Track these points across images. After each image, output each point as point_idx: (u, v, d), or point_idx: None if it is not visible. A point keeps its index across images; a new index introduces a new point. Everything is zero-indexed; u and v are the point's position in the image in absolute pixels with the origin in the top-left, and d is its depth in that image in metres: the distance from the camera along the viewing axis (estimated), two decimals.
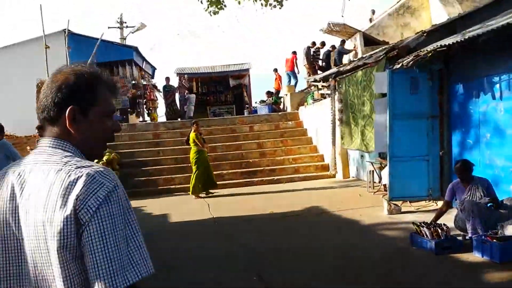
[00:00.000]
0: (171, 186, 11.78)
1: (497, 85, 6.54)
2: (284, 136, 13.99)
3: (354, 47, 15.74)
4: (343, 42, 15.83)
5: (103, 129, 1.28)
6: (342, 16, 13.01)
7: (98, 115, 1.25)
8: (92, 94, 1.24)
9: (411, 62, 6.61)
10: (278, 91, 18.93)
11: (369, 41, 15.68)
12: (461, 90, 7.27)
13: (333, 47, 16.71)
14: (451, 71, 7.37)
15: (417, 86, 7.53)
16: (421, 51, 6.71)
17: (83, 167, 1.12)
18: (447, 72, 7.43)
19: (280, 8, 13.40)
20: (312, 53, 17.15)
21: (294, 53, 17.80)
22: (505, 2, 7.92)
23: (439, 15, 16.53)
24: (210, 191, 10.53)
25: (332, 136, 11.44)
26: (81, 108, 1.21)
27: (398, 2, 18.28)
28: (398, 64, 7.10)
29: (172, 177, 12.15)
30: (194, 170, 10.40)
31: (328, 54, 16.59)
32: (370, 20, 18.88)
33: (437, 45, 6.39)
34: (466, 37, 6.03)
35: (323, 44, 17.37)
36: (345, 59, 15.81)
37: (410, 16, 17.24)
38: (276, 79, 19.38)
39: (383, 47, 8.58)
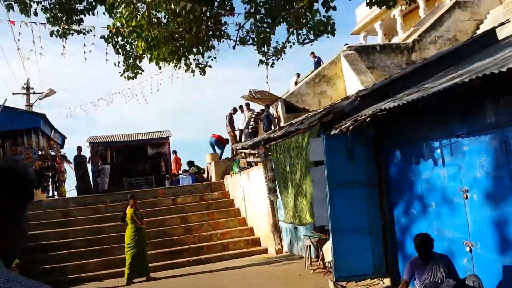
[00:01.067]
0: (83, 274, 10.09)
1: (438, 150, 6.18)
2: (210, 208, 12.97)
3: (277, 113, 15.49)
4: (267, 107, 15.55)
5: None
6: (267, 83, 12.76)
7: None
8: None
9: (350, 127, 6.09)
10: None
11: (289, 108, 15.55)
12: (399, 156, 6.86)
13: (263, 110, 16.40)
14: (388, 136, 6.99)
15: (353, 152, 7.02)
16: (359, 115, 6.23)
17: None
18: (383, 137, 7.03)
19: (202, 74, 12.90)
20: (253, 118, 16.74)
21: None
22: (430, 67, 7.91)
23: (353, 83, 16.99)
24: (135, 280, 9.12)
25: (263, 208, 10.64)
26: None
27: (313, 71, 18.67)
28: (335, 129, 6.58)
29: (84, 263, 10.47)
30: (129, 252, 9.02)
31: (255, 119, 16.23)
32: (296, 83, 19.10)
33: (376, 109, 5.94)
34: (405, 101, 5.63)
35: (248, 106, 17.10)
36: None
37: (326, 85, 17.55)
38: (174, 161, 18.51)
39: (317, 111, 8.17)
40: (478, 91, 5.24)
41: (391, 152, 6.94)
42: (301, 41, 12.94)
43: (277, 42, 12.87)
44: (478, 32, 18.41)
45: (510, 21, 9.38)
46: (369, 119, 6.15)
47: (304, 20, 12.19)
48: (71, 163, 17.16)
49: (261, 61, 12.82)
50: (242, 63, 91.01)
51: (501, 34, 10.72)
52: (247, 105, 17.18)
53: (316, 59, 20.12)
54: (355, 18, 32.79)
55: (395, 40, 24.67)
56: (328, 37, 13.06)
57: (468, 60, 7.13)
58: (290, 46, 12.96)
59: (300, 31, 12.52)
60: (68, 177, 18.49)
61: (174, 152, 18.95)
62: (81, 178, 15.88)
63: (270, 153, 9.71)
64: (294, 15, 11.79)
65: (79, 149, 16.02)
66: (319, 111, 8.62)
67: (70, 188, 17.84)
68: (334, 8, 10.89)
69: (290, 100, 16.28)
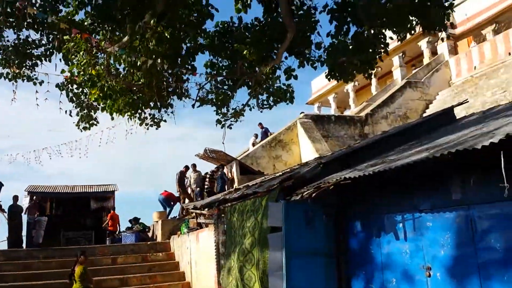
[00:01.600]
0: None
1: (400, 224, 5.99)
2: (153, 270, 12.07)
3: (231, 174, 15.13)
4: (221, 167, 15.18)
5: None
6: (223, 143, 12.60)
7: None
8: None
9: (313, 194, 5.81)
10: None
11: (244, 169, 15.27)
12: (360, 227, 6.61)
13: (218, 168, 15.97)
14: (349, 206, 6.76)
15: (313, 220, 6.72)
16: (322, 183, 5.99)
17: None
18: (344, 206, 6.79)
19: (157, 128, 12.48)
20: (207, 176, 16.24)
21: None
22: (391, 139, 7.93)
23: (308, 150, 17.06)
24: None
25: (211, 273, 9.97)
26: None
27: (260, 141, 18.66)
28: (297, 195, 6.28)
29: None
30: None
31: (203, 179, 15.76)
32: (253, 144, 18.96)
33: (340, 177, 5.72)
34: (371, 172, 5.46)
35: (194, 167, 16.62)
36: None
37: (282, 149, 17.54)
38: (109, 217, 17.48)
39: (275, 175, 7.90)
40: (444, 167, 5.15)
41: (352, 223, 6.68)
42: (261, 106, 12.93)
43: (237, 105, 12.86)
44: (428, 111, 19.31)
45: (467, 101, 9.76)
46: (332, 187, 5.91)
47: (265, 86, 12.25)
48: (5, 212, 15.79)
49: (218, 121, 12.59)
50: (198, 121, 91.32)
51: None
52: (194, 166, 16.75)
53: (263, 130, 19.69)
54: (311, 89, 33.93)
55: (348, 113, 25.39)
56: (287, 104, 13.16)
57: (429, 135, 7.20)
58: (250, 109, 12.91)
59: (260, 96, 12.55)
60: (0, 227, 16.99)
61: (113, 209, 17.95)
62: (14, 229, 14.53)
63: (223, 215, 9.23)
64: (256, 79, 11.82)
65: (15, 198, 14.80)
66: (278, 174, 8.39)
67: (1, 239, 16.30)
68: (296, 77, 11.00)
69: (245, 162, 16.03)
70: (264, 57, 10.38)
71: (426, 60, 23.12)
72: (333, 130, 18.32)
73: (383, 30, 9.92)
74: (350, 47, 10.28)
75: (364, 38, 9.83)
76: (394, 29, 9.90)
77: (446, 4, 9.30)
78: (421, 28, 9.84)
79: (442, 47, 21.91)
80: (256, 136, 19.90)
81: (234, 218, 8.53)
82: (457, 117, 8.80)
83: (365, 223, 6.47)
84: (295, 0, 9.45)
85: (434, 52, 23.23)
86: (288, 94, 12.66)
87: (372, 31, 9.74)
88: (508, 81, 16.36)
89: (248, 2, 9.09)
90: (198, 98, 12.17)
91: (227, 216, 8.89)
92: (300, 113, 19.92)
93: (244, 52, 10.51)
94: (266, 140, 17.68)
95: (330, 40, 10.06)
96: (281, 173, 8.83)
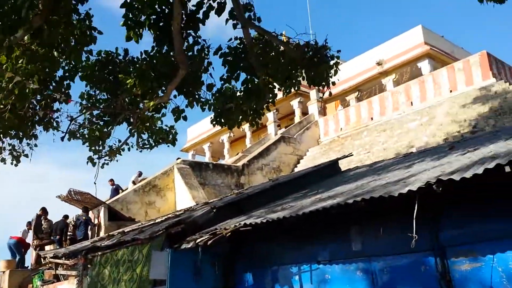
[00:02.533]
0: None
1: (296, 277, 5.57)
2: None
3: (98, 220, 13.60)
4: (86, 210, 13.56)
5: None
6: (95, 183, 11.24)
7: None
8: None
9: (209, 241, 5.13)
10: None
11: (113, 215, 13.88)
12: (252, 279, 6.05)
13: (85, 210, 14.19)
14: (241, 256, 6.18)
15: (201, 271, 5.98)
16: (218, 229, 5.36)
17: None
18: (236, 256, 6.19)
19: (16, 165, 10.84)
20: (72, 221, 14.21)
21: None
22: (283, 187, 7.68)
23: (184, 197, 16.29)
24: None
25: None
26: None
27: (144, 179, 17.55)
28: (188, 242, 5.53)
29: None
30: None
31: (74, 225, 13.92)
32: (134, 182, 17.48)
33: (239, 224, 5.16)
34: (270, 219, 5.02)
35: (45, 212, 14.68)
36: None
37: (156, 195, 16.50)
38: None
39: (157, 221, 7.00)
40: (345, 216, 4.93)
41: (244, 274, 6.08)
42: (141, 145, 12.00)
43: (114, 142, 11.73)
44: (299, 165, 19.99)
45: (352, 154, 10.08)
46: (228, 234, 5.30)
47: (148, 124, 11.42)
48: None
49: (90, 159, 11.31)
50: (58, 160, 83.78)
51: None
52: (44, 210, 14.78)
53: (114, 187, 17.74)
54: (186, 136, 33.43)
55: (222, 163, 25.29)
56: (168, 146, 12.42)
57: (320, 184, 7.10)
58: (129, 149, 11.90)
59: (142, 134, 11.66)
60: None
61: None
62: None
63: (90, 266, 7.93)
64: (139, 116, 10.96)
65: None
66: (160, 220, 7.51)
67: None
68: (185, 118, 10.44)
69: (115, 207, 14.62)
70: (151, 93, 9.66)
71: (297, 119, 24.34)
72: (210, 178, 17.87)
73: (272, 81, 9.98)
74: (240, 93, 10.13)
75: (255, 86, 9.74)
76: (284, 81, 10.04)
77: (332, 62, 9.69)
78: (307, 82, 10.14)
79: (313, 108, 23.30)
80: (140, 174, 18.48)
81: (106, 270, 7.34)
82: (337, 170, 8.99)
83: (259, 274, 5.93)
84: (189, 37, 9.02)
85: (304, 112, 24.62)
86: (171, 136, 12.00)
87: (263, 80, 9.71)
88: (371, 143, 17.76)
89: (141, 31, 8.39)
90: (68, 131, 10.85)
91: (96, 267, 7.65)
92: (177, 159, 19.16)
93: (129, 85, 9.67)
94: (140, 184, 16.48)
95: (221, 83, 9.80)
96: (164, 218, 7.96)
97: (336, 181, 6.77)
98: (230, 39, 9.22)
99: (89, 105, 10.65)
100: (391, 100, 19.50)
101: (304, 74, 9.80)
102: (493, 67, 16.49)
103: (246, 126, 27.86)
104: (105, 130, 11.22)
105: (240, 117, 10.56)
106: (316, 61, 9.19)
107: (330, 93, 10.46)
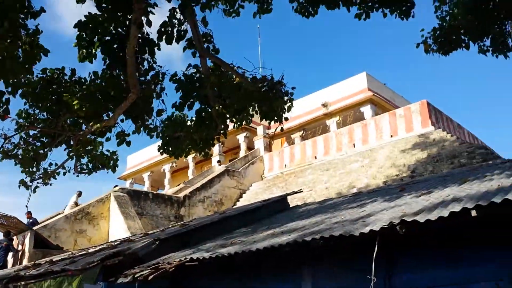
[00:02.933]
0: None
1: None
2: None
3: (22, 246, 12.46)
4: (8, 234, 12.42)
5: None
6: (26, 207, 10.29)
7: None
8: None
9: (151, 276, 4.68)
10: None
11: (40, 242, 12.81)
12: None
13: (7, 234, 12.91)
14: None
15: None
16: (161, 263, 4.92)
17: None
18: None
19: None
20: None
21: None
22: (230, 222, 7.34)
23: (119, 227, 15.45)
24: None
25: None
26: None
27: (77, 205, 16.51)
28: (126, 276, 5.03)
29: None
30: None
31: None
32: (76, 203, 16.28)
33: (185, 258, 4.77)
34: (221, 254, 4.69)
35: None
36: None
37: (88, 223, 15.51)
38: None
39: (90, 251, 6.35)
40: (297, 256, 4.69)
41: None
42: (79, 170, 11.27)
43: (50, 164, 10.89)
44: (241, 200, 19.68)
45: (302, 191, 9.94)
46: (173, 268, 4.88)
47: (88, 148, 10.77)
48: None
49: (22, 182, 10.43)
50: None
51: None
52: None
53: (31, 220, 15.30)
54: (126, 164, 32.24)
55: (163, 193, 24.49)
56: (107, 172, 11.77)
57: (270, 220, 6.85)
58: (64, 173, 11.09)
59: (81, 158, 10.95)
60: None
61: None
62: None
63: None
64: (80, 139, 10.31)
65: None
66: (94, 250, 6.87)
67: None
68: (129, 143, 9.92)
69: (43, 233, 13.52)
70: (97, 115, 9.11)
71: (242, 153, 24.21)
72: (149, 208, 17.11)
73: (226, 112, 9.78)
74: (191, 122, 9.83)
75: (208, 115, 9.49)
76: (237, 113, 9.89)
77: (286, 98, 9.67)
78: (260, 117, 10.03)
79: (259, 143, 23.30)
80: (80, 194, 17.22)
81: None
82: (286, 206, 8.80)
83: None
84: (144, 62, 8.67)
85: (249, 147, 24.57)
86: (112, 162, 11.37)
87: (217, 110, 9.47)
88: (314, 181, 17.87)
89: (94, 52, 7.98)
90: (1, 150, 9.96)
91: None
92: (114, 186, 18.28)
93: (75, 106, 9.09)
94: (72, 210, 15.41)
95: (173, 110, 9.45)
96: (98, 248, 7.31)
97: (287, 217, 6.56)
98: (188, 66, 8.95)
99: (27, 124, 9.88)
100: (335, 141, 19.89)
101: (257, 108, 9.69)
102: (432, 116, 17.32)
103: (190, 157, 27.31)
104: (41, 151, 10.44)
105: (189, 146, 10.22)
106: (271, 95, 9.11)
107: (282, 129, 10.39)
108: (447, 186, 5.05)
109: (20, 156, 10.29)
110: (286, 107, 9.51)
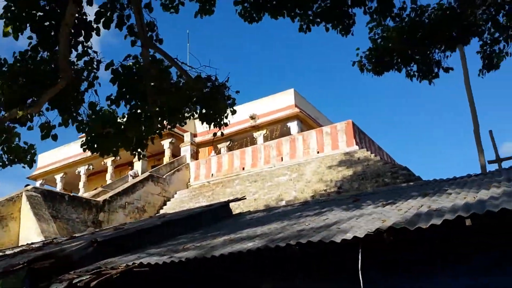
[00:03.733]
0: None
1: None
2: None
3: None
4: None
5: None
6: None
7: None
8: None
9: (93, 282, 4.02)
10: None
11: None
12: None
13: None
14: None
15: None
16: (104, 268, 4.27)
17: None
18: None
19: None
20: None
21: None
22: (173, 224, 6.74)
23: (31, 229, 14.00)
24: None
25: None
26: None
27: None
28: (60, 282, 4.29)
29: None
30: None
31: None
32: None
33: (133, 263, 4.19)
34: (178, 259, 4.18)
35: None
36: None
37: None
38: None
39: (19, 250, 5.42)
40: (256, 268, 4.32)
41: None
42: None
43: None
44: (165, 207, 18.84)
45: (245, 198, 9.53)
46: (117, 275, 4.25)
47: (3, 137, 9.55)
48: None
49: None
50: None
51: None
52: None
53: None
54: (36, 163, 29.66)
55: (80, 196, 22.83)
56: (24, 167, 10.57)
57: (216, 225, 6.38)
58: None
59: None
60: None
61: None
62: None
63: None
64: None
65: None
66: (15, 251, 5.91)
67: None
68: (55, 138, 8.91)
69: None
70: (18, 101, 8.06)
71: (166, 159, 23.32)
72: (64, 212, 15.70)
73: (163, 110, 9.17)
74: (124, 119, 9.08)
75: (145, 112, 8.79)
76: (173, 113, 9.33)
77: (229, 101, 9.31)
78: (200, 119, 9.57)
79: (185, 150, 22.62)
80: None
81: None
82: (229, 213, 8.37)
83: None
84: (78, 45, 7.83)
85: (174, 154, 23.76)
86: (29, 156, 10.20)
87: (154, 108, 8.83)
88: (242, 192, 17.56)
89: (22, 27, 7.04)
90: None
91: None
92: (26, 185, 16.63)
93: None
94: None
95: (108, 104, 8.65)
96: (19, 250, 6.33)
97: (236, 224, 6.15)
98: (127, 56, 8.23)
99: None
100: (263, 153, 19.82)
101: (198, 110, 9.22)
102: (356, 136, 17.89)
103: (109, 160, 25.80)
104: None
105: (119, 144, 9.42)
106: (214, 97, 8.70)
107: (222, 133, 9.98)
108: (409, 198, 4.99)
109: None
110: (228, 111, 9.14)
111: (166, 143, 24.10)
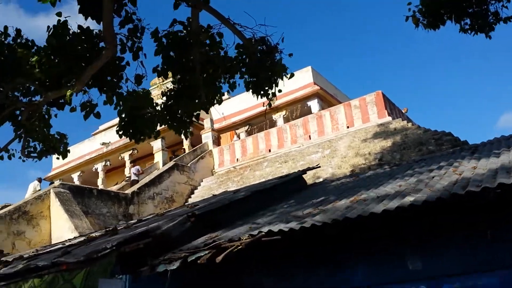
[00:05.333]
0: None
1: None
2: None
3: None
4: None
5: None
6: None
7: None
8: None
9: (220, 257, 3.22)
10: None
11: None
12: None
13: None
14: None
15: None
16: (223, 242, 3.47)
17: None
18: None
19: None
20: None
21: None
22: (250, 201, 5.92)
23: (63, 226, 13.24)
24: None
25: None
26: None
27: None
28: (170, 262, 3.49)
29: None
30: None
31: None
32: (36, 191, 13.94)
33: (261, 232, 3.39)
34: (320, 222, 3.37)
35: None
36: None
37: (27, 224, 13.11)
38: None
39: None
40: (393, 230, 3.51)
41: None
42: (26, 153, 9.19)
43: None
44: (193, 196, 18.05)
45: (320, 166, 8.72)
46: (234, 249, 3.45)
47: (40, 124, 8.75)
48: None
49: None
50: None
51: None
52: None
53: None
54: (51, 164, 28.88)
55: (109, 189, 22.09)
56: (58, 158, 9.79)
57: (299, 195, 5.58)
58: (9, 157, 8.95)
59: (29, 138, 8.91)
60: None
61: None
62: None
63: None
64: (32, 112, 8.29)
65: None
66: (72, 242, 5.08)
67: None
68: (98, 115, 8.09)
69: None
70: (57, 80, 7.22)
71: (186, 149, 22.51)
72: (94, 206, 14.93)
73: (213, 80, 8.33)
74: (170, 92, 8.25)
75: (193, 82, 7.90)
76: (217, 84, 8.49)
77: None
78: (248, 89, 8.73)
79: (207, 137, 21.80)
80: (40, 180, 16.34)
81: None
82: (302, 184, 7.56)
83: None
84: (121, 10, 6.95)
85: (192, 144, 22.91)
86: (62, 147, 9.43)
87: (203, 78, 7.96)
88: (273, 173, 16.76)
89: None
90: None
91: None
92: (38, 179, 16.22)
93: (34, 68, 7.17)
94: (7, 209, 12.90)
95: (151, 76, 7.79)
96: (77, 241, 5.52)
97: (335, 190, 5.33)
98: (173, 22, 7.34)
99: None
100: (289, 133, 18.98)
101: (249, 77, 8.37)
102: (387, 106, 17.04)
103: (126, 155, 25.00)
104: None
105: (159, 124, 8.61)
106: (271, 61, 7.84)
107: (270, 105, 9.15)
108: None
109: None
110: (285, 78, 8.27)
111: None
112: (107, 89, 7.65)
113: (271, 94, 8.96)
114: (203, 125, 22.89)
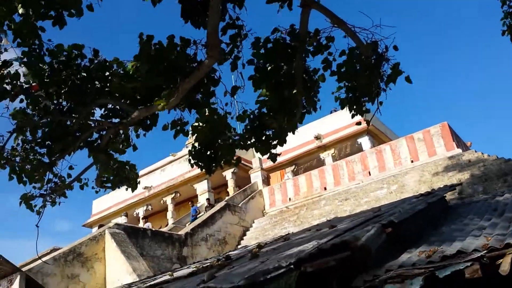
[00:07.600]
0: None
1: None
2: None
3: None
4: None
5: None
6: (37, 226, 7.27)
7: None
8: None
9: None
10: None
11: (34, 286, 9.44)
12: None
13: None
14: None
15: None
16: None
17: None
18: None
19: None
20: None
21: None
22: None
23: (119, 269, 12.24)
24: None
25: None
26: None
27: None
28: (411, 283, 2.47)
29: None
30: None
31: None
32: None
33: None
34: None
35: None
36: None
37: (81, 266, 12.17)
38: None
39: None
40: None
41: None
42: (100, 183, 8.43)
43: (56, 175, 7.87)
44: (246, 238, 16.94)
45: (461, 183, 7.60)
46: None
47: (121, 146, 8.03)
48: None
49: (25, 199, 7.42)
50: None
51: None
52: None
53: None
54: (91, 210, 28.20)
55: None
56: (126, 189, 9.00)
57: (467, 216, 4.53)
58: (81, 187, 8.17)
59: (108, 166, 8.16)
60: None
61: None
62: None
63: None
64: (120, 131, 7.59)
65: None
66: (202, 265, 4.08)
67: None
68: (187, 133, 7.33)
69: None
70: (154, 93, 6.52)
71: (230, 191, 21.57)
72: (148, 248, 13.94)
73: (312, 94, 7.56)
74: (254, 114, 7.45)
75: (292, 95, 7.07)
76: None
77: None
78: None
79: (256, 176, 20.88)
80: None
81: None
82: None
83: None
84: (226, 13, 6.29)
85: (238, 185, 21.96)
86: (132, 179, 8.67)
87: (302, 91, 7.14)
88: (334, 211, 15.61)
89: None
90: None
91: None
92: (99, 226, 15.13)
93: (116, 83, 6.54)
94: (61, 250, 12.03)
95: (250, 89, 7.06)
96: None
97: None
98: (275, 30, 6.61)
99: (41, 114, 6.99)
100: (346, 170, 17.92)
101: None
102: (454, 138, 15.96)
103: (168, 198, 24.12)
104: (44, 162, 7.56)
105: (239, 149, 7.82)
106: (381, 68, 7.04)
107: (368, 122, 8.31)
108: None
109: (17, 166, 7.38)
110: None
111: (228, 173, 22.43)
112: (200, 103, 6.90)
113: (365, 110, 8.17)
114: (247, 165, 22.02)
